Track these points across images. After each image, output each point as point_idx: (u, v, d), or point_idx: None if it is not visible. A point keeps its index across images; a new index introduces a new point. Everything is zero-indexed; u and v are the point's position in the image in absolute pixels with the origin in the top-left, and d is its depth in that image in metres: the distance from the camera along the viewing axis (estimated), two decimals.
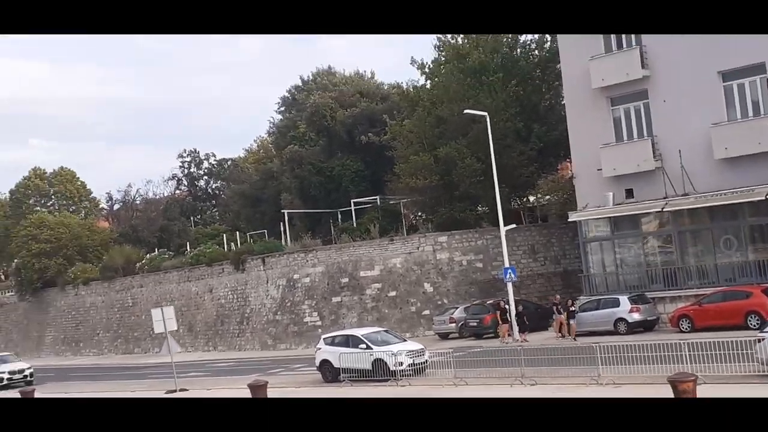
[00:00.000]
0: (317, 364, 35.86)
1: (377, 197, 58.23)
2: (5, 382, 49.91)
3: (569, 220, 43.35)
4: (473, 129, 50.67)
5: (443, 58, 54.53)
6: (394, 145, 53.92)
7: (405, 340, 35.98)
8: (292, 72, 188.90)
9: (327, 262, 52.12)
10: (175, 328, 40.94)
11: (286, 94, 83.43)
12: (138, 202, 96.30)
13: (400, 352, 32.94)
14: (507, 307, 40.76)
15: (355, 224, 55.98)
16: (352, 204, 57.44)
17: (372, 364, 33.06)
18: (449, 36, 54.54)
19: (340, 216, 60.40)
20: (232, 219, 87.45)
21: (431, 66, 56.44)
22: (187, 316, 61.81)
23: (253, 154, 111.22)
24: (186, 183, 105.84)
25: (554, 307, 40.12)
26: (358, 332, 35.87)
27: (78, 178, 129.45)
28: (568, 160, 55.91)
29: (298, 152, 61.45)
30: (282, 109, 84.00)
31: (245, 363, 48.60)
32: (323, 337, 36.84)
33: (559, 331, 39.83)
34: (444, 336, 46.09)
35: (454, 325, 45.48)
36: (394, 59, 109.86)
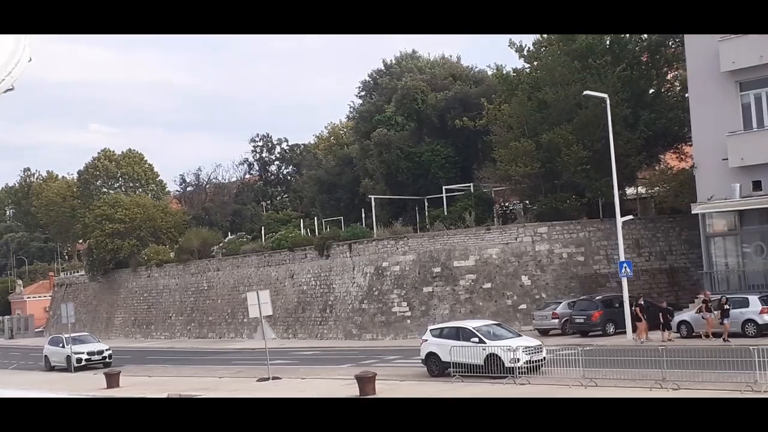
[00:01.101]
0: (422, 356, 33.52)
1: (470, 184, 55.58)
2: (83, 362, 48.46)
3: (693, 212, 40.26)
4: (579, 114, 47.85)
5: (547, 41, 51.60)
6: (492, 130, 51.16)
7: (520, 335, 33.41)
8: (354, 62, 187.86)
9: (418, 250, 49.69)
10: (271, 313, 38.89)
11: (367, 79, 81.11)
12: (208, 185, 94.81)
13: (517, 347, 30.43)
14: (643, 303, 37.60)
15: (446, 212, 53.36)
16: (444, 191, 54.82)
17: (485, 359, 30.61)
18: None
19: (426, 203, 57.85)
20: (306, 205, 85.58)
21: (531, 48, 53.67)
22: None
23: (323, 141, 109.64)
24: (258, 167, 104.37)
25: (704, 305, 36.41)
26: (470, 324, 33.37)
27: (146, 160, 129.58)
28: (674, 150, 52.89)
29: (387, 136, 58.97)
30: (363, 93, 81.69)
31: (332, 352, 46.43)
32: (430, 328, 34.41)
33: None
34: (544, 332, 43.28)
35: (557, 320, 42.72)
36: (469, 43, 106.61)
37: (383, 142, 58.60)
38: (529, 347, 30.95)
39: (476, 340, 31.44)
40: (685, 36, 42.13)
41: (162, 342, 67.19)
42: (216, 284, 65.87)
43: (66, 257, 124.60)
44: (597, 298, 41.76)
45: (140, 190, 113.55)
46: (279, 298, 58.77)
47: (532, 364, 30.27)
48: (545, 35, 52.72)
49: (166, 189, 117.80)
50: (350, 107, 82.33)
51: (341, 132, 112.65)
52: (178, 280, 70.54)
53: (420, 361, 33.78)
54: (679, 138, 52.10)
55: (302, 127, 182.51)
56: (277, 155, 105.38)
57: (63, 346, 49.79)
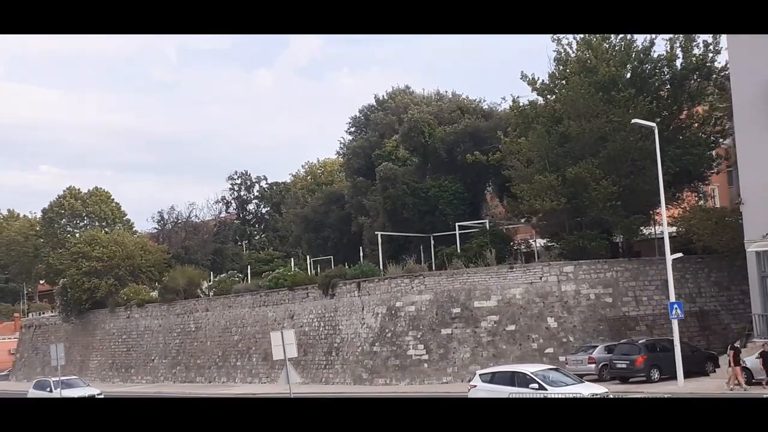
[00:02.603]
0: None
1: (485, 221, 53.06)
2: None
3: (749, 250, 37.97)
4: (606, 148, 45.70)
5: (566, 72, 49.51)
6: (511, 165, 48.75)
7: (582, 381, 30.65)
8: (303, 107, 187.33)
9: (435, 289, 46.87)
10: (296, 355, 35.66)
11: (358, 114, 78.74)
12: (186, 224, 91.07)
13: (581, 394, 27.72)
14: (738, 346, 35.00)
15: (459, 249, 50.68)
16: (457, 227, 52.14)
17: None
18: (572, 48, 49.72)
19: (433, 241, 55.13)
20: (292, 244, 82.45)
21: (545, 81, 51.56)
22: (263, 344, 56.32)
23: (300, 179, 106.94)
24: (236, 206, 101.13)
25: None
26: (527, 369, 30.60)
27: (113, 199, 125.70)
28: (691, 188, 51.03)
29: (393, 170, 56.30)
30: (353, 129, 79.23)
31: None
32: (479, 373, 31.60)
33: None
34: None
35: (593, 365, 40.02)
36: (464, 78, 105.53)
37: (389, 176, 55.93)
38: (596, 395, 28.26)
39: (535, 386, 28.74)
40: (731, 67, 40.43)
41: (145, 386, 63.17)
42: (205, 325, 62.27)
43: (28, 298, 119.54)
44: (640, 341, 39.27)
45: (107, 229, 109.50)
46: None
47: None
48: (561, 68, 50.83)
49: (134, 228, 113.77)
50: (340, 143, 79.68)
51: (319, 171, 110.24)
52: (162, 320, 66.74)
53: None
54: (697, 176, 50.28)
55: (257, 169, 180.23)
56: (256, 194, 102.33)
57: (51, 391, 46.02)
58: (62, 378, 45.95)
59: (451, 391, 41.29)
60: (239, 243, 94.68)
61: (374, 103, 76.80)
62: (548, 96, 51.68)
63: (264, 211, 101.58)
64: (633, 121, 39.53)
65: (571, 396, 27.76)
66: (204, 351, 61.46)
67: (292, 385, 34.39)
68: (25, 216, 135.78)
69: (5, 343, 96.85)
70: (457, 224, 52.24)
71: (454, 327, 45.68)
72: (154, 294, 69.26)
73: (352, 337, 49.88)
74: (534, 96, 51.81)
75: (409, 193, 55.68)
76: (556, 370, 31.47)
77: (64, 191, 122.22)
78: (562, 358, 42.61)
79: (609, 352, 40.09)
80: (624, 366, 38.39)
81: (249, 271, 70.38)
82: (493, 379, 30.53)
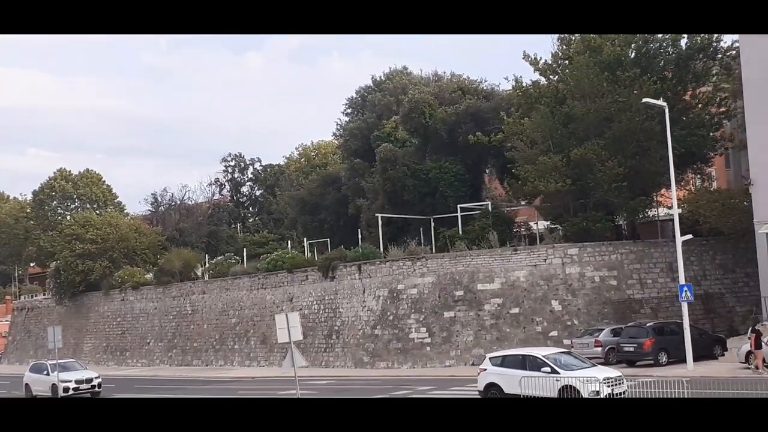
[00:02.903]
0: (480, 387, 30.10)
1: (487, 203, 52.43)
2: (71, 392, 43.95)
3: (759, 232, 37.48)
4: (611, 128, 45.11)
5: (570, 52, 48.83)
6: (514, 145, 48.10)
7: (594, 365, 30.14)
8: (293, 91, 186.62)
9: (438, 272, 46.29)
10: (301, 338, 34.97)
11: (354, 96, 77.93)
12: (181, 206, 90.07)
13: (595, 378, 27.23)
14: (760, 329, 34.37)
15: (461, 231, 50.07)
16: (459, 209, 51.49)
17: (559, 391, 27.29)
18: None
19: (433, 223, 54.48)
20: (287, 226, 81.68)
21: (548, 61, 50.87)
22: (261, 327, 55.86)
23: (294, 162, 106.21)
24: (229, 188, 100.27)
25: None
26: (538, 352, 30.03)
27: (104, 181, 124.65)
28: (695, 170, 50.54)
29: (393, 152, 55.56)
30: (350, 110, 78.42)
31: (349, 381, 42.69)
32: (489, 356, 31.00)
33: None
34: None
35: (599, 349, 39.52)
36: (460, 58, 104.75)
37: (389, 158, 55.20)
38: (610, 378, 27.75)
39: (547, 369, 28.17)
40: (741, 46, 39.83)
41: (140, 370, 62.49)
42: (201, 308, 61.57)
43: (18, 280, 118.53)
44: (648, 324, 38.74)
45: (98, 212, 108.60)
46: (275, 323, 54.70)
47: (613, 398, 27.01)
48: (564, 47, 50.19)
49: (125, 210, 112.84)
50: (337, 124, 78.82)
51: (312, 153, 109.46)
52: (158, 303, 66.02)
53: (477, 392, 30.34)
54: (701, 158, 49.77)
55: (248, 153, 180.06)
56: (250, 176, 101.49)
57: (47, 374, 45.23)
58: (59, 361, 45.10)
59: (455, 375, 40.83)
60: (233, 226, 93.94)
61: (371, 84, 76.04)
62: (551, 76, 51.02)
63: (258, 193, 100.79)
64: (643, 100, 38.88)
65: (584, 379, 27.33)
66: (201, 334, 60.81)
67: (298, 368, 33.60)
68: (15, 198, 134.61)
69: None
70: (458, 206, 51.58)
71: (457, 310, 45.15)
72: (149, 276, 68.49)
73: (353, 320, 49.31)
74: (536, 76, 51.20)
75: (409, 174, 54.98)
76: (567, 353, 30.97)
77: (54, 173, 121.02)
78: (566, 341, 42.12)
79: (615, 335, 39.60)
80: (631, 349, 37.91)
81: (245, 253, 69.68)
82: (504, 362, 29.97)
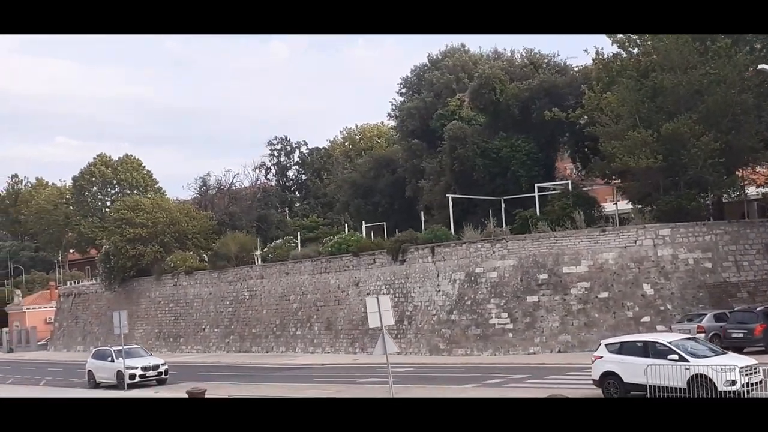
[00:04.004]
0: (596, 376, 27.75)
1: (568, 181, 49.98)
2: (137, 379, 42.10)
3: None
4: (704, 102, 42.50)
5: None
6: (599, 121, 45.53)
7: (725, 352, 27.65)
8: (319, 79, 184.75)
9: (520, 254, 43.92)
10: (392, 322, 32.82)
11: (409, 75, 75.52)
12: (217, 190, 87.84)
13: (733, 366, 24.79)
14: None
15: (538, 212, 47.66)
16: (536, 189, 49.04)
17: (688, 381, 24.86)
18: None
19: (504, 204, 52.08)
20: (339, 210, 79.49)
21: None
22: (324, 312, 53.76)
23: (337, 146, 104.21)
24: (275, 172, 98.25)
25: None
26: (662, 338, 27.59)
27: (144, 166, 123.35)
28: None
29: (462, 129, 53.16)
30: (404, 90, 76.04)
31: (431, 369, 40.42)
32: (605, 342, 28.56)
33: None
34: None
35: (702, 335, 36.95)
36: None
37: (458, 136, 52.83)
38: (746, 367, 25.27)
39: (674, 357, 25.71)
40: None
41: (196, 356, 60.65)
42: (260, 293, 59.57)
43: (60, 266, 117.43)
44: (758, 309, 36.18)
45: (138, 197, 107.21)
46: (341, 308, 52.79)
47: (749, 388, 24.60)
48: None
49: (165, 196, 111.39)
50: (392, 104, 76.42)
51: (357, 137, 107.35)
52: (213, 288, 64.12)
53: (592, 381, 28.00)
54: None
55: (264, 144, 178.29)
56: (297, 160, 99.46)
57: (112, 360, 43.41)
58: (122, 347, 43.22)
59: (544, 362, 38.51)
60: (281, 210, 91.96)
61: (427, 63, 73.61)
62: (630, 48, 48.41)
63: (304, 177, 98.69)
64: (760, 67, 36.26)
65: (719, 368, 24.92)
66: (260, 320, 58.82)
67: (390, 355, 31.41)
68: (53, 184, 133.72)
69: (41, 312, 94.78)
70: (536, 185, 49.14)
71: (541, 294, 42.77)
72: (207, 261, 66.64)
73: (427, 305, 47.06)
74: (615, 49, 48.59)
75: (479, 153, 52.56)
76: (693, 339, 28.52)
77: (94, 158, 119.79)
78: (661, 327, 39.70)
79: (718, 320, 37.06)
80: (740, 335, 35.31)
81: (299, 237, 67.62)
82: (622, 349, 27.57)
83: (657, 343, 26.93)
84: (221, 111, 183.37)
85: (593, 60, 48.12)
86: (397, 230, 63.87)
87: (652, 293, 41.36)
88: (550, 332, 41.98)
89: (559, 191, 48.96)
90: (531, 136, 52.54)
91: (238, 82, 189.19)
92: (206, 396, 32.83)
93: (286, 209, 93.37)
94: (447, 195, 51.30)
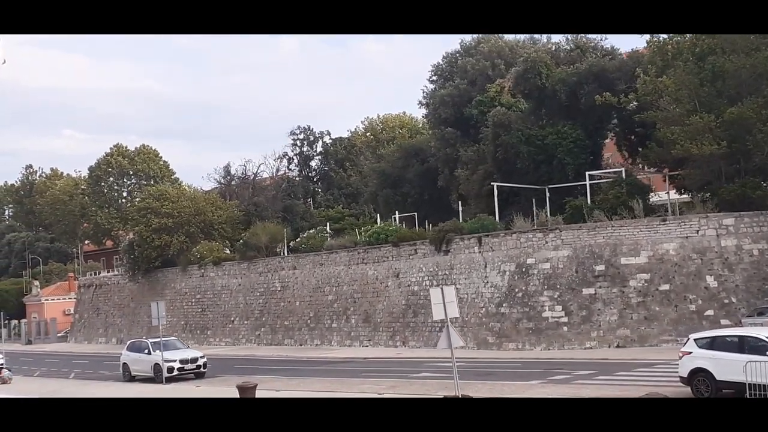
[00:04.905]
0: (684, 373, 25.87)
1: (621, 169, 48.04)
2: (175, 372, 40.36)
3: None
4: None
5: None
6: (657, 105, 43.58)
7: None
8: (327, 73, 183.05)
9: (575, 244, 42.02)
10: (458, 315, 31.05)
11: (441, 62, 73.53)
12: (241, 180, 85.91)
13: None
14: None
15: (589, 201, 45.73)
16: (587, 177, 47.12)
17: None
18: None
19: (548, 193, 50.12)
20: (367, 200, 77.63)
21: None
22: (362, 304, 51.95)
23: (359, 137, 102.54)
24: (297, 162, 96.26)
25: None
26: (759, 333, 25.61)
27: (160, 157, 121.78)
28: None
29: (507, 115, 51.23)
30: (434, 78, 74.08)
31: (483, 364, 38.53)
32: (694, 337, 26.67)
33: None
34: None
35: None
36: None
37: (502, 122, 50.88)
38: None
39: None
40: None
41: (225, 349, 58.89)
42: (292, 284, 57.75)
43: (79, 257, 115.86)
44: None
45: (145, 190, 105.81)
46: (380, 300, 50.96)
47: None
48: None
49: (183, 187, 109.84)
50: (423, 92, 74.45)
51: (379, 127, 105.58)
52: (242, 279, 62.35)
53: (679, 378, 26.13)
54: None
55: (275, 138, 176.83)
56: (320, 149, 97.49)
57: (149, 353, 41.66)
58: (157, 339, 41.45)
59: (608, 357, 36.65)
60: (305, 201, 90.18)
61: (459, 50, 71.63)
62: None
63: (327, 168, 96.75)
64: None
65: None
66: (292, 312, 57.02)
67: (455, 349, 29.56)
68: (68, 174, 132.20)
69: (60, 303, 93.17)
70: (587, 173, 47.20)
71: (597, 286, 40.88)
72: (235, 252, 64.89)
73: (473, 297, 45.19)
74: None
75: (523, 140, 50.60)
76: None
77: (111, 149, 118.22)
78: (725, 321, 37.82)
79: None
80: None
81: (328, 228, 65.81)
82: (714, 345, 25.68)
83: (755, 338, 25.00)
84: (230, 104, 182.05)
85: (647, 42, 46.16)
86: (426, 221, 62.14)
87: (716, 285, 39.44)
88: (608, 326, 40.10)
89: (611, 179, 46.99)
90: (577, 123, 50.56)
91: (248, 76, 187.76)
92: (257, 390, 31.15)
93: (310, 200, 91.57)
94: (491, 183, 49.31)
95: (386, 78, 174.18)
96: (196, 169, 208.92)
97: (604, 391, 27.92)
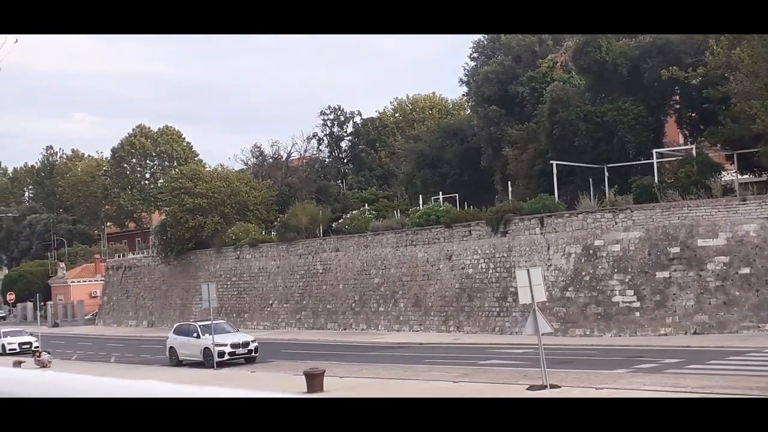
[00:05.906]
0: None
1: (692, 146, 45.78)
2: (226, 356, 38.42)
3: None
4: None
5: None
6: (735, 78, 41.23)
7: None
8: (336, 57, 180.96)
9: (647, 225, 39.82)
10: (544, 298, 28.91)
11: (481, 39, 71.35)
12: (268, 161, 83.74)
13: None
14: None
15: (656, 180, 43.51)
16: (654, 155, 44.89)
17: None
18: None
19: (606, 173, 47.91)
20: (403, 181, 75.54)
21: None
22: (412, 288, 49.89)
23: (387, 117, 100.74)
24: (327, 143, 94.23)
25: None
26: None
27: (184, 138, 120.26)
28: None
29: (565, 91, 48.96)
30: (475, 55, 71.91)
31: (552, 351, 36.22)
32: None
33: None
34: None
35: None
36: None
37: (561, 98, 48.58)
38: None
39: None
40: None
41: (266, 333, 56.73)
42: (335, 267, 55.71)
43: (104, 239, 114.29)
44: None
45: (178, 170, 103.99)
46: (431, 284, 48.89)
47: None
48: None
49: (206, 168, 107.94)
50: (464, 69, 72.28)
51: (408, 107, 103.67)
52: (280, 261, 60.35)
53: None
54: None
55: (285, 121, 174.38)
56: (351, 130, 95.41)
57: (198, 337, 39.74)
58: (208, 323, 39.54)
59: (690, 345, 34.50)
60: (337, 182, 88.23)
61: None
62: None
63: (358, 149, 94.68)
64: None
65: None
66: (335, 295, 55.00)
67: (542, 334, 27.51)
68: (90, 156, 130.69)
69: (86, 285, 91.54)
70: (654, 151, 44.94)
71: (672, 270, 38.68)
72: (274, 233, 62.92)
73: None
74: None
75: (582, 117, 48.32)
76: None
77: (134, 129, 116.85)
78: None
79: None
80: None
81: (366, 209, 63.81)
82: None
83: None
84: (241, 87, 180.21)
85: None
86: (466, 202, 60.05)
87: None
88: (684, 311, 37.93)
89: (681, 157, 44.73)
90: (639, 99, 48.25)
91: (258, 58, 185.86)
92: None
93: (341, 181, 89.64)
94: (543, 162, 47.08)
95: (406, 59, 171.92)
96: (209, 152, 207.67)
97: (707, 381, 25.79)
